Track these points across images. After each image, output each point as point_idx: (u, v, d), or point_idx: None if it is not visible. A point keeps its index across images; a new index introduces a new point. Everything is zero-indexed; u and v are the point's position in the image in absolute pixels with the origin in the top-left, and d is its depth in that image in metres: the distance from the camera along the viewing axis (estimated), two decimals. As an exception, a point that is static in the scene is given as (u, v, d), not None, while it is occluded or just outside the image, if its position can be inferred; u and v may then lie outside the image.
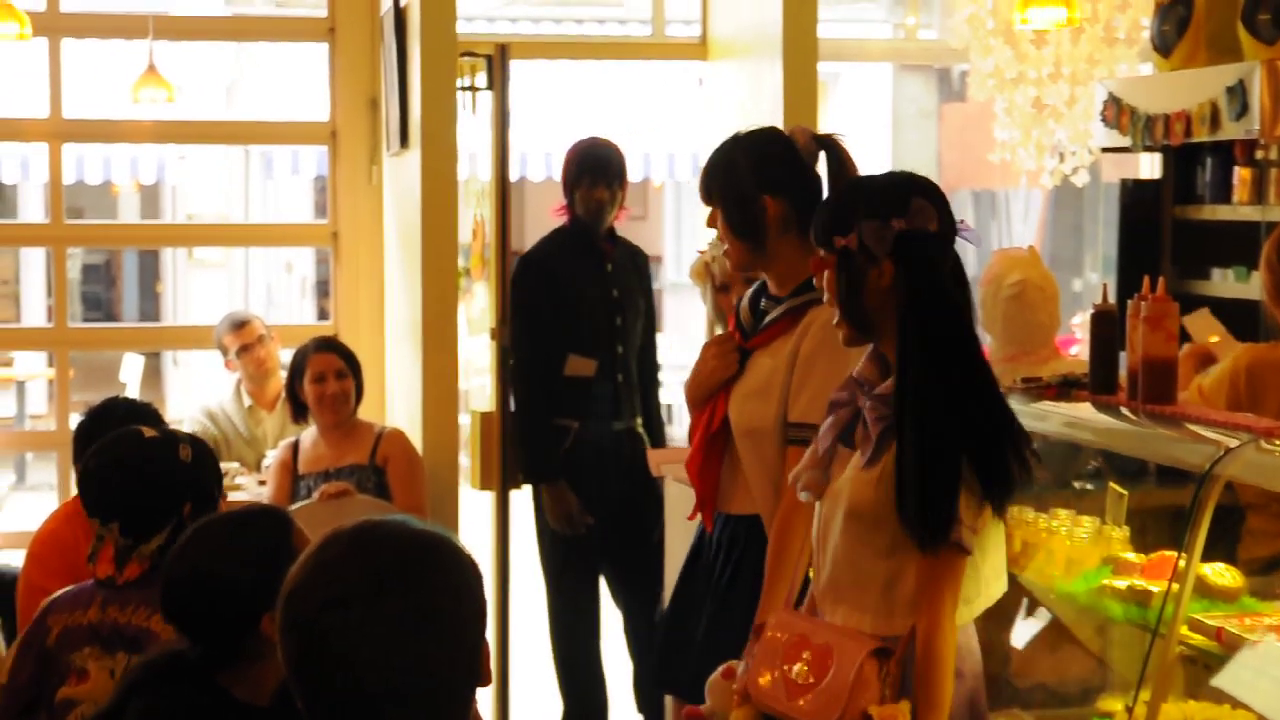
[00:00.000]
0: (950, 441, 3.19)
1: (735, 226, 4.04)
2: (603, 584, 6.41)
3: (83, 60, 8.72)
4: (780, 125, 6.72)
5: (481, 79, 6.58)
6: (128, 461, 3.72)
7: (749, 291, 4.21)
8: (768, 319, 4.07)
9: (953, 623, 3.22)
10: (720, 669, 3.62)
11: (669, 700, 4.38)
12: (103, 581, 3.65)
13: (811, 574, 3.51)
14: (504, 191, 6.54)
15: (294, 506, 6.06)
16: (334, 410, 6.34)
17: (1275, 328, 4.82)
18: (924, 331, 3.26)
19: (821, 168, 4.10)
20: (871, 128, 15.71)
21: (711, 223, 4.10)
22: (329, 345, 6.52)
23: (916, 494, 3.18)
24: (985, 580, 3.38)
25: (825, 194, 4.02)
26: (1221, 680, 3.66)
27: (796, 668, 3.30)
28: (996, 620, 4.28)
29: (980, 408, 3.26)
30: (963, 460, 3.19)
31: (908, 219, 3.27)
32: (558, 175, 6.51)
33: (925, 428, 3.20)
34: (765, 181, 4.02)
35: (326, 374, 6.36)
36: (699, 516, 4.23)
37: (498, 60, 6.52)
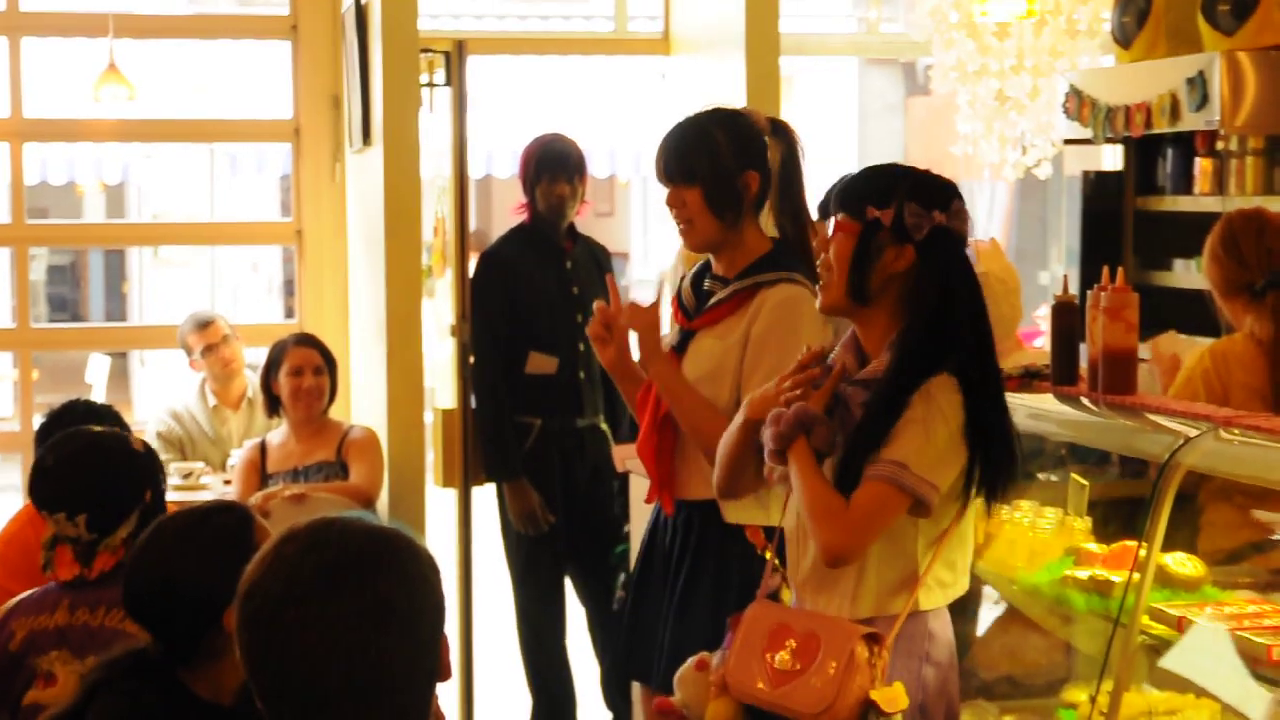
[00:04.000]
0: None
1: (715, 203, 4.04)
2: (568, 581, 6.42)
3: (43, 59, 8.68)
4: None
5: (440, 75, 6.58)
6: (89, 453, 3.75)
7: (691, 272, 4.22)
8: (714, 299, 4.08)
9: (863, 537, 3.24)
10: (693, 660, 3.59)
11: (637, 688, 4.36)
12: (71, 583, 3.63)
13: (790, 564, 3.51)
14: (463, 187, 6.53)
15: (254, 498, 6.08)
16: (308, 405, 6.39)
17: (1224, 321, 4.81)
18: (950, 325, 3.29)
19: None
20: (837, 122, 15.73)
21: (676, 202, 4.09)
22: (308, 340, 6.57)
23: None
24: (961, 569, 3.39)
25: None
26: (1181, 666, 3.67)
27: (780, 656, 3.29)
28: (960, 612, 4.29)
29: (993, 409, 3.32)
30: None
31: (948, 216, 3.31)
32: (523, 173, 6.50)
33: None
34: (746, 157, 4.06)
35: (304, 368, 6.40)
36: (656, 503, 4.23)
37: (455, 56, 6.52)
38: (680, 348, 4.12)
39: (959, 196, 3.36)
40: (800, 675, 3.25)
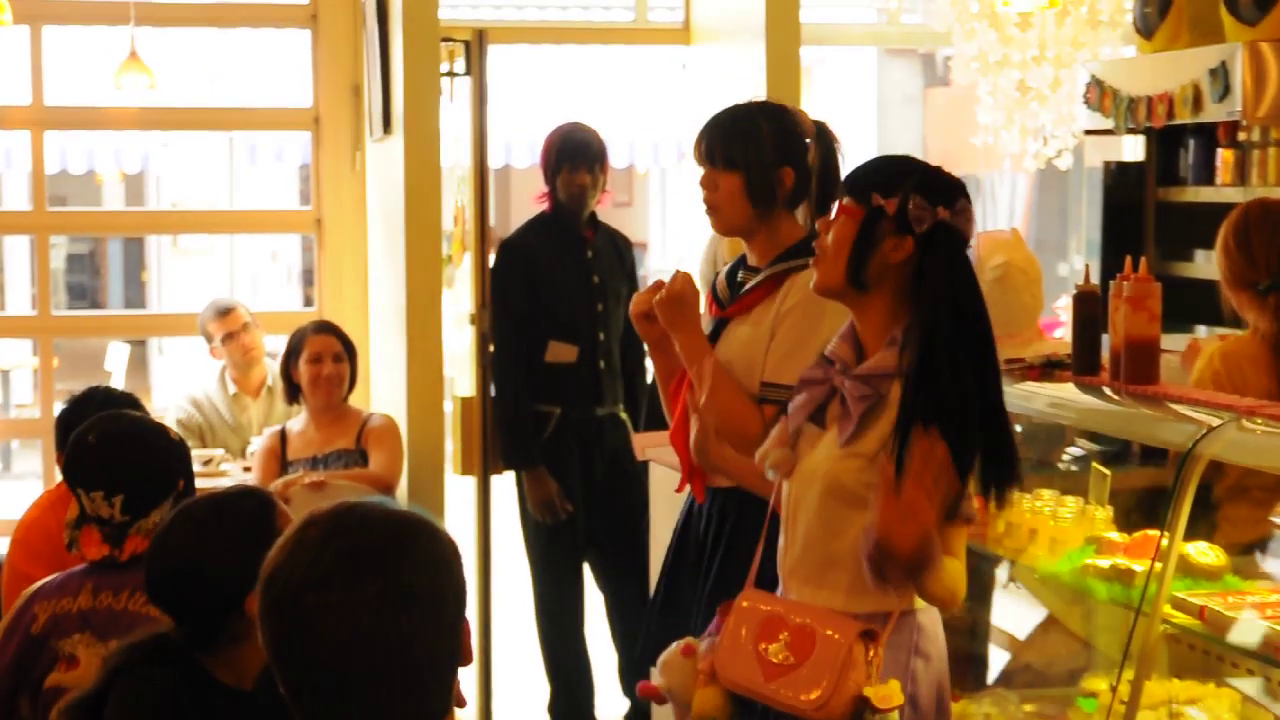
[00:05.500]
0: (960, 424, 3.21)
1: (751, 191, 4.05)
2: (587, 569, 6.42)
3: (64, 47, 8.69)
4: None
5: (460, 65, 6.58)
6: (132, 435, 3.76)
7: (725, 267, 4.22)
8: (747, 286, 4.08)
9: (955, 575, 3.23)
10: (679, 645, 3.57)
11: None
12: (96, 566, 3.63)
13: (779, 551, 3.50)
14: (483, 176, 6.54)
15: (273, 485, 6.09)
16: (327, 392, 6.39)
17: (1232, 314, 4.77)
18: (939, 325, 3.26)
19: None
20: (856, 112, 15.72)
21: (709, 185, 4.10)
22: (328, 328, 6.58)
23: None
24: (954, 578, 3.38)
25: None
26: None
27: (773, 648, 3.29)
28: (981, 601, 4.30)
29: (991, 413, 3.29)
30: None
31: (952, 213, 3.31)
32: (542, 162, 6.50)
33: (943, 413, 3.21)
34: (787, 152, 4.06)
35: (324, 355, 6.41)
36: (686, 491, 4.23)
37: (476, 45, 6.52)
38: (713, 336, 4.11)
39: (966, 196, 3.37)
40: (795, 669, 3.24)
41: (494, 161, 9.98)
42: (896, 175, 3.36)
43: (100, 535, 3.64)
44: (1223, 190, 6.62)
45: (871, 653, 3.22)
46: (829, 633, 3.24)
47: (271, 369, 7.19)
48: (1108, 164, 7.42)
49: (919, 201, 3.30)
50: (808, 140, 4.12)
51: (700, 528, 4.20)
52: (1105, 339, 4.20)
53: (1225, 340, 4.70)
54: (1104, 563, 3.89)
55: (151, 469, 3.69)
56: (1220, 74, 6.27)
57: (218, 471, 6.66)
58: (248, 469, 6.70)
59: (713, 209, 4.10)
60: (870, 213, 3.31)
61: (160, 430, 3.83)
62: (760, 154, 4.05)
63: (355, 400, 6.65)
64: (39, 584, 3.73)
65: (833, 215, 3.38)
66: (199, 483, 6.01)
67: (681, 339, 3.98)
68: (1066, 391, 4.21)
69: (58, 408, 5.03)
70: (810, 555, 3.38)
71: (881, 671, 3.22)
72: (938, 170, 3.41)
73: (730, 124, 4.12)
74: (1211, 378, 4.51)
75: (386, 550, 2.22)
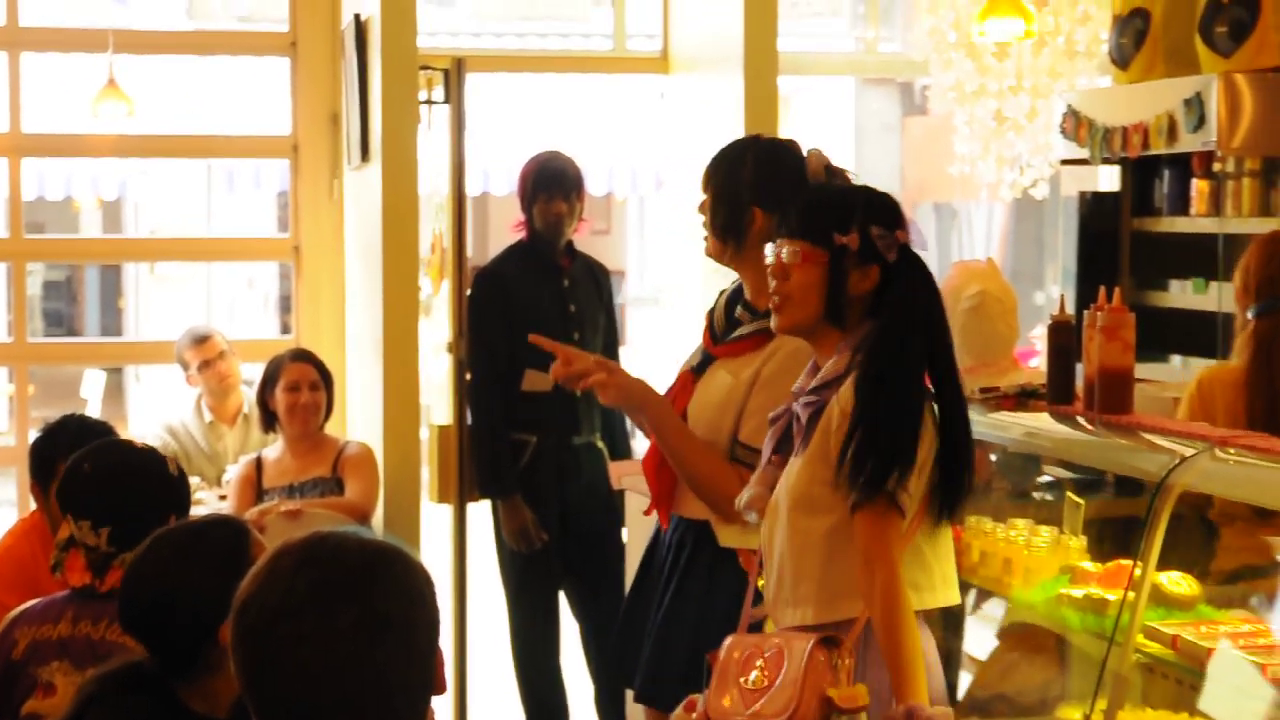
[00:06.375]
0: (902, 412, 3.26)
1: (719, 224, 4.05)
2: (563, 598, 6.41)
3: (43, 74, 8.69)
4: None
5: (439, 93, 6.59)
6: (126, 468, 3.73)
7: (728, 291, 4.20)
8: (738, 332, 4.07)
9: (903, 581, 3.25)
10: (683, 704, 3.61)
11: (635, 707, 4.38)
12: (80, 591, 3.62)
13: (765, 594, 3.52)
14: (460, 205, 6.54)
15: (249, 514, 6.08)
16: (304, 421, 6.39)
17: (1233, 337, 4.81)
18: (904, 343, 3.31)
19: None
20: (834, 141, 15.75)
21: (701, 209, 4.10)
22: (305, 356, 6.57)
23: (862, 444, 3.24)
24: (940, 577, 3.39)
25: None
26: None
27: (753, 676, 3.31)
28: (954, 629, 4.30)
29: (948, 413, 3.33)
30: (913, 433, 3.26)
31: (907, 233, 3.38)
32: (519, 191, 6.50)
33: (885, 395, 3.27)
34: (762, 194, 4.01)
35: (300, 384, 6.41)
36: (655, 518, 4.24)
37: (454, 73, 6.53)
38: (699, 369, 4.12)
39: (903, 213, 3.44)
40: (767, 690, 3.27)
41: (472, 189, 10.03)
42: (844, 207, 3.41)
43: (85, 561, 3.63)
44: (1197, 220, 6.65)
45: (836, 657, 3.23)
46: (792, 647, 3.27)
47: (248, 397, 7.18)
48: (1083, 194, 7.44)
49: (880, 232, 3.36)
50: (798, 184, 4.06)
51: (662, 555, 4.21)
52: (1080, 368, 4.21)
53: (1208, 367, 4.77)
54: (1078, 592, 3.90)
55: (142, 504, 3.64)
56: (1195, 105, 6.30)
57: (193, 500, 6.64)
58: (223, 497, 6.69)
59: (704, 233, 4.13)
60: (834, 252, 3.36)
61: (157, 464, 3.76)
62: (732, 186, 4.04)
63: (332, 428, 6.64)
64: (22, 608, 3.71)
65: (785, 258, 3.40)
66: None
67: (651, 417, 4.01)
68: (1041, 421, 4.22)
69: (33, 435, 5.01)
70: (785, 578, 3.41)
71: (852, 677, 3.24)
72: (877, 193, 3.47)
73: (724, 152, 4.13)
74: (1187, 401, 4.56)
75: (359, 580, 2.22)
